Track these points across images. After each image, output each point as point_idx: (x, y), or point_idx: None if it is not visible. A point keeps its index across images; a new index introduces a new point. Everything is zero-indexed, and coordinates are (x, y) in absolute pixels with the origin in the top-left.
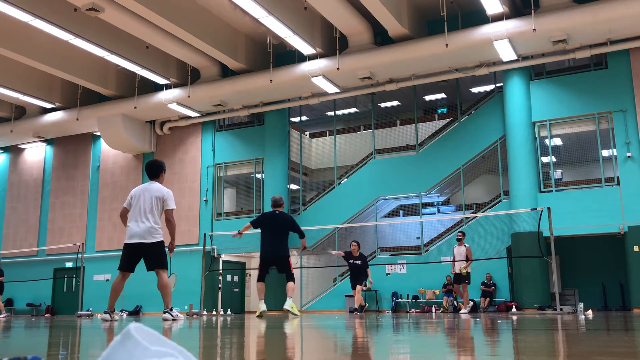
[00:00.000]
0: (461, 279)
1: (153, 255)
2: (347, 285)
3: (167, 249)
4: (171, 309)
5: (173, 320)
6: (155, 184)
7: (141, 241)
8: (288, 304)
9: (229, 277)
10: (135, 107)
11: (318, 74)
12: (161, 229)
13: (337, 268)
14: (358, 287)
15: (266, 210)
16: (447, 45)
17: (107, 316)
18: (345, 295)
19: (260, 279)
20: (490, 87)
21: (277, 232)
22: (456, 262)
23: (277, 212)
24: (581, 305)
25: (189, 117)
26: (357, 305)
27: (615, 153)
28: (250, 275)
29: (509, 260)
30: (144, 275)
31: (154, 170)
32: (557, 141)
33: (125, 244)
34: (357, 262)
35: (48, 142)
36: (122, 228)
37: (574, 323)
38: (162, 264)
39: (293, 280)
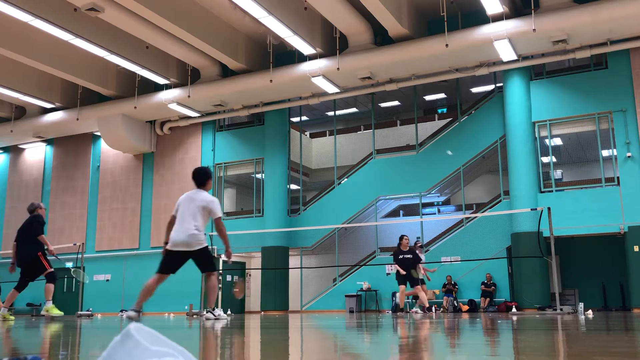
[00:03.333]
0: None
1: (203, 260)
2: (347, 285)
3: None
4: (213, 309)
5: (216, 319)
6: (201, 192)
7: (187, 249)
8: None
9: (229, 277)
10: (135, 107)
11: (318, 74)
12: (203, 235)
13: (337, 268)
14: (417, 287)
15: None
16: (447, 45)
17: (134, 314)
18: (345, 295)
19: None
20: (490, 87)
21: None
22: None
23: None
24: (581, 305)
25: (189, 117)
26: (402, 305)
27: (615, 153)
28: (250, 275)
29: (509, 260)
30: (144, 276)
31: (199, 177)
32: (557, 141)
33: (170, 251)
34: (407, 256)
35: (48, 142)
36: (122, 228)
37: (574, 323)
38: (213, 267)
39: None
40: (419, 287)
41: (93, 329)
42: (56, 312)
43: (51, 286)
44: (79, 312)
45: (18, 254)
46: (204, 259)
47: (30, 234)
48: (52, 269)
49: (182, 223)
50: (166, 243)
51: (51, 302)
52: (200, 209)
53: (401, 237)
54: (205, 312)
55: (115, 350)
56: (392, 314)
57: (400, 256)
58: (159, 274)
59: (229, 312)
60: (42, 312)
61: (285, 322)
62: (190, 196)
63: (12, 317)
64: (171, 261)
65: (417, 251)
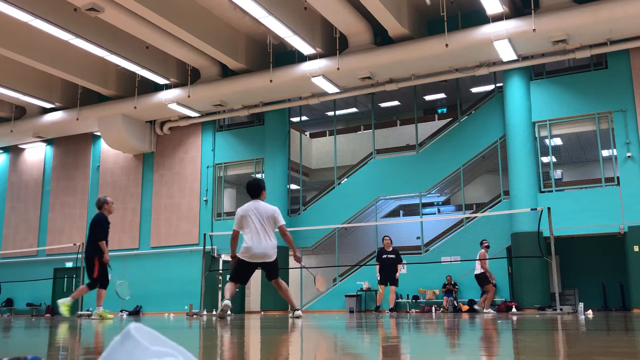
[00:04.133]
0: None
1: (274, 268)
2: (348, 285)
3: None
4: (296, 308)
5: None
6: (260, 203)
7: (266, 261)
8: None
9: (228, 277)
10: (135, 107)
11: (318, 74)
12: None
13: (337, 268)
14: (392, 287)
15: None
16: (447, 45)
17: (228, 302)
18: (345, 295)
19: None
20: (490, 87)
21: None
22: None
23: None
24: (581, 305)
25: (189, 117)
26: (392, 305)
27: (615, 153)
28: None
29: (509, 260)
30: (143, 276)
31: (254, 189)
32: (557, 141)
33: (246, 262)
34: (391, 256)
35: (48, 142)
36: (122, 228)
37: (574, 323)
38: (279, 273)
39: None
40: (490, 285)
41: (93, 329)
42: (66, 311)
43: (102, 291)
44: (79, 312)
45: (85, 250)
46: (275, 268)
47: (92, 235)
48: (97, 278)
49: (261, 237)
50: (233, 257)
51: (102, 307)
52: (269, 219)
53: (383, 238)
54: (294, 312)
55: (115, 351)
56: (390, 313)
57: (384, 256)
58: (235, 282)
59: (229, 312)
60: (93, 316)
61: (285, 322)
62: (254, 209)
63: (111, 316)
64: (247, 272)
65: (483, 250)
